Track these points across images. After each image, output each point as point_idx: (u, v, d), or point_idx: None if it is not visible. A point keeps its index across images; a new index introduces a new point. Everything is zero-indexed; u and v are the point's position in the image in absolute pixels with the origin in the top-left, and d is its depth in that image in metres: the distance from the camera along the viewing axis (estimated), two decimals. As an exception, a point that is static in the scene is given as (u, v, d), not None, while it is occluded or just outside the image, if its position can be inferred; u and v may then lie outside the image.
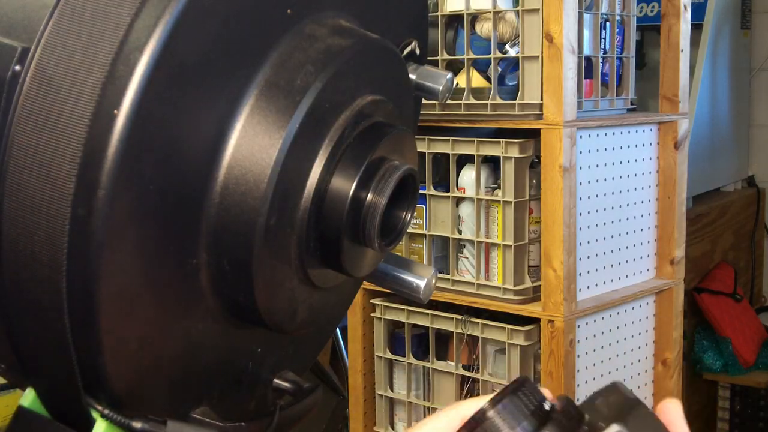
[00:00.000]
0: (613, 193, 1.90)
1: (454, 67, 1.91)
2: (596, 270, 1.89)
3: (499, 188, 1.80)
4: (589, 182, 1.84)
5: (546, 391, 0.47)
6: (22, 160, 0.50)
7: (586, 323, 1.88)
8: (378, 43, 0.64)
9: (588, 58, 1.89)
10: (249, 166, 0.55)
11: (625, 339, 1.97)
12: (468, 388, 1.94)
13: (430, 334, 1.96)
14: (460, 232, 1.88)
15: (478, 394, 0.63)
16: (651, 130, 2.01)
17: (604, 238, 1.90)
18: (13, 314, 0.53)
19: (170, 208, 0.53)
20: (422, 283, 0.72)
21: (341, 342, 2.84)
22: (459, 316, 1.89)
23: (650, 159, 2.01)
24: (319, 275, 0.61)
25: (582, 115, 1.83)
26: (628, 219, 1.95)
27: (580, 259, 1.82)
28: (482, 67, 1.89)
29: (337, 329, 2.56)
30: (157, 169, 0.52)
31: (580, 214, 1.82)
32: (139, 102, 0.48)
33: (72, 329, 0.51)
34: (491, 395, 0.45)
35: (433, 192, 1.90)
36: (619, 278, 1.95)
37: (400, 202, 0.64)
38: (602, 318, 1.90)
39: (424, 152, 1.90)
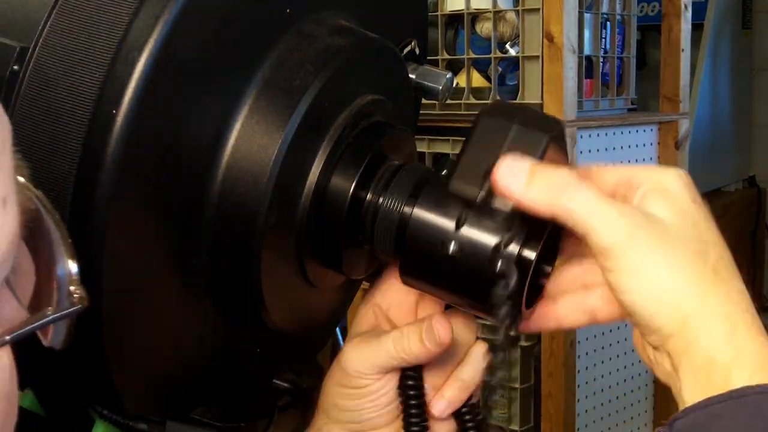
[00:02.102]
0: (613, 193, 1.90)
1: (454, 67, 1.91)
2: (597, 270, 1.88)
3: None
4: (589, 182, 1.83)
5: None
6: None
7: (587, 323, 1.87)
8: (377, 42, 0.64)
9: (588, 58, 1.89)
10: (248, 165, 0.54)
11: (625, 339, 1.96)
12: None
13: (431, 334, 1.95)
14: (460, 232, 1.88)
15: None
16: (651, 130, 2.01)
17: (605, 238, 1.89)
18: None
19: (169, 209, 0.53)
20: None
21: (341, 342, 2.84)
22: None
23: (651, 159, 2.01)
24: (319, 275, 0.61)
25: (582, 115, 1.82)
26: (628, 219, 1.95)
27: (580, 259, 1.81)
28: (482, 66, 1.88)
29: (337, 329, 2.56)
30: (156, 169, 0.52)
31: (581, 214, 1.81)
32: (138, 102, 0.48)
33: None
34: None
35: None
36: (620, 278, 1.94)
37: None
38: (603, 318, 1.90)
39: (424, 152, 1.89)
